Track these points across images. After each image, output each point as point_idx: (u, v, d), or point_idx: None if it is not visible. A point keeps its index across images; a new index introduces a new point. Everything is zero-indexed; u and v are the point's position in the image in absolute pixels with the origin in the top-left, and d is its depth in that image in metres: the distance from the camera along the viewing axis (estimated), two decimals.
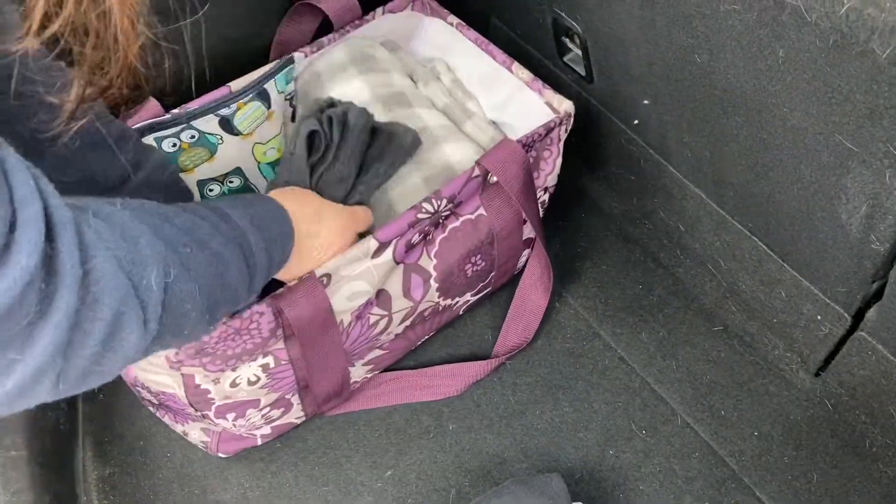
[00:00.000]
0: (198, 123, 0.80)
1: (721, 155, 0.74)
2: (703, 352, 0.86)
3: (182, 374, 0.67)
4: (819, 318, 0.77)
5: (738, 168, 0.73)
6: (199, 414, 0.72)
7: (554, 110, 0.82)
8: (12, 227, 0.33)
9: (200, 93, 0.79)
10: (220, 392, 0.70)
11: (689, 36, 0.65)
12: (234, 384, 0.69)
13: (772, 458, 0.79)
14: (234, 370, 0.69)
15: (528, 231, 0.85)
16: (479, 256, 0.80)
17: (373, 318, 0.75)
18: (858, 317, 0.73)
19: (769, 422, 0.81)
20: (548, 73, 0.94)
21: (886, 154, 0.55)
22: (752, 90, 0.62)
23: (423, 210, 0.72)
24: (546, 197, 0.86)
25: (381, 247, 0.71)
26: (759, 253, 0.79)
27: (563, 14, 0.83)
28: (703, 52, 0.65)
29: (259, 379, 0.71)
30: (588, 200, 0.98)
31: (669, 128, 0.79)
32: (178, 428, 0.78)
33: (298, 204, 0.64)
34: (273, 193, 0.66)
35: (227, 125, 0.82)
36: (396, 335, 0.79)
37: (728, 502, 0.76)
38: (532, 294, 0.88)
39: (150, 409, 0.78)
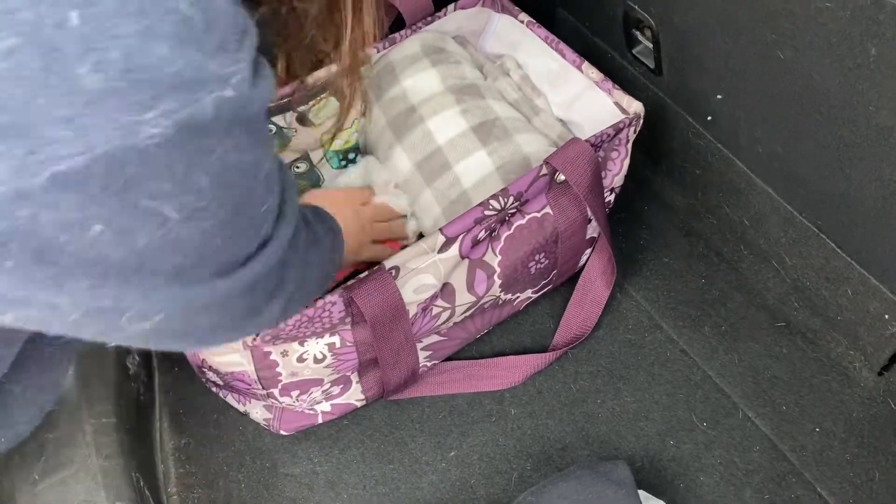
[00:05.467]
0: (277, 119, 0.82)
1: (795, 151, 0.75)
2: (766, 347, 0.86)
3: (251, 348, 0.69)
4: (886, 316, 0.77)
5: (813, 165, 0.73)
6: (264, 392, 0.74)
7: (623, 111, 0.82)
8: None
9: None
10: (287, 366, 0.72)
11: (773, 32, 0.65)
12: (301, 359, 0.72)
13: (833, 455, 0.79)
14: (301, 344, 0.71)
15: (592, 230, 0.85)
16: (542, 255, 0.81)
17: (435, 310, 0.76)
18: None
19: (831, 418, 0.81)
20: (614, 65, 0.95)
21: None
22: (837, 87, 0.63)
23: (490, 207, 0.73)
24: (612, 197, 0.86)
25: (448, 242, 0.72)
26: (827, 250, 0.79)
27: (636, 6, 0.83)
28: (787, 49, 0.65)
29: (325, 357, 0.73)
30: (651, 193, 0.98)
31: (742, 123, 0.79)
32: (241, 408, 0.81)
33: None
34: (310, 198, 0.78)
35: (302, 119, 0.84)
36: (455, 323, 0.81)
37: (788, 496, 0.76)
38: (594, 285, 0.88)
39: (214, 389, 0.81)
